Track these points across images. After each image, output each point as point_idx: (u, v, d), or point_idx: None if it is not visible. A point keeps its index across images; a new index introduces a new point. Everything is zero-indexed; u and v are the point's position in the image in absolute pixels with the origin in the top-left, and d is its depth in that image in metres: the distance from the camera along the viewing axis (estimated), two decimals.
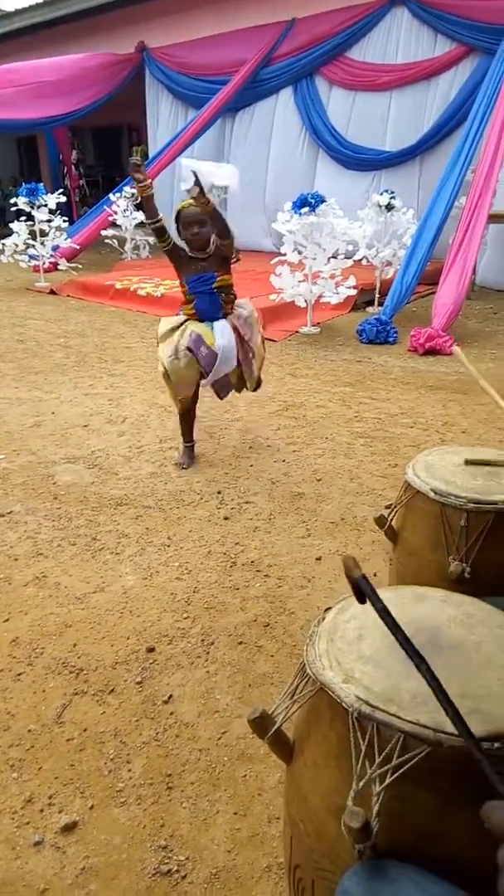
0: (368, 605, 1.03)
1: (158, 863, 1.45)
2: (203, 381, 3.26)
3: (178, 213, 3.06)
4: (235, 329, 3.24)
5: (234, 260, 3.20)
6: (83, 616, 2.26)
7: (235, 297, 3.30)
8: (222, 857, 1.46)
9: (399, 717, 0.78)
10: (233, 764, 1.69)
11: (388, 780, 0.75)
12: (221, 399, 3.53)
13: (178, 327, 3.23)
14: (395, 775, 0.75)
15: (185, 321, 3.22)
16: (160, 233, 3.09)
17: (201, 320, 3.20)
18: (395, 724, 0.78)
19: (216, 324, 3.19)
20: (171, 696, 1.90)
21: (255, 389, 3.56)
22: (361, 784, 0.77)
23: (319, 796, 0.87)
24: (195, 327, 3.18)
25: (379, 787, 0.76)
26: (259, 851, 1.48)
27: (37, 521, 2.88)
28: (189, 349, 3.14)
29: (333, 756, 0.86)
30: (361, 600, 0.81)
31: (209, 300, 3.16)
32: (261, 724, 0.92)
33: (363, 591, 0.78)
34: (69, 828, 1.52)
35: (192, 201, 2.98)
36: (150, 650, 2.09)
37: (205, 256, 3.11)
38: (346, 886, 0.72)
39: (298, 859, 0.93)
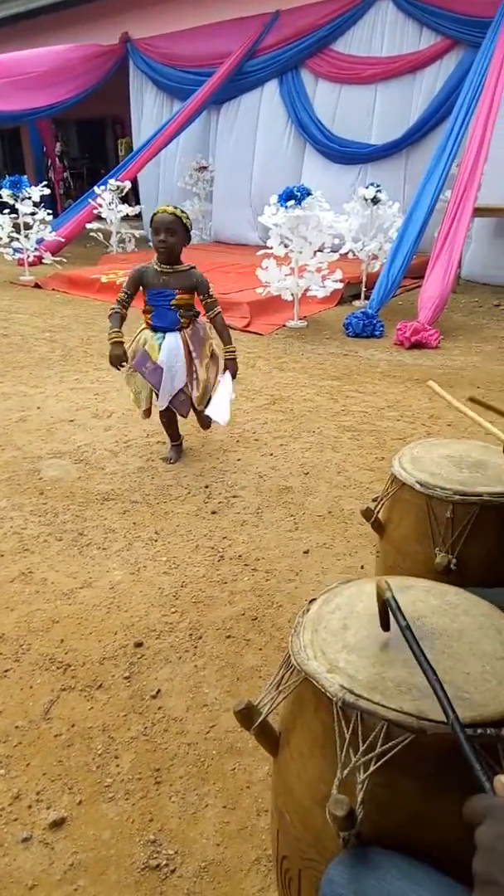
0: (353, 596, 1.03)
1: (147, 857, 1.45)
2: (157, 402, 3.23)
3: (153, 216, 3.03)
4: (186, 344, 3.15)
5: (205, 302, 3.17)
6: (70, 612, 2.25)
7: (197, 315, 3.22)
8: (211, 851, 1.47)
9: (383, 706, 0.79)
10: (221, 758, 1.69)
11: (372, 768, 0.76)
12: (184, 416, 3.34)
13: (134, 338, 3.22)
14: (380, 763, 0.76)
15: (141, 329, 3.20)
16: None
17: (155, 330, 3.15)
18: (378, 713, 0.78)
19: (167, 336, 3.13)
20: (159, 691, 1.90)
21: (202, 410, 3.28)
22: (346, 772, 0.77)
23: (305, 786, 0.87)
24: (145, 337, 3.15)
25: (363, 775, 0.76)
26: (248, 844, 1.48)
27: (22, 517, 2.86)
28: (134, 367, 3.15)
29: (318, 746, 0.86)
30: (385, 625, 0.88)
31: (166, 314, 3.11)
32: (247, 715, 0.92)
33: (391, 610, 0.84)
34: (57, 824, 1.52)
35: (166, 207, 3.01)
36: (138, 645, 2.09)
37: (169, 271, 3.06)
38: (331, 875, 0.72)
39: (285, 850, 0.93)
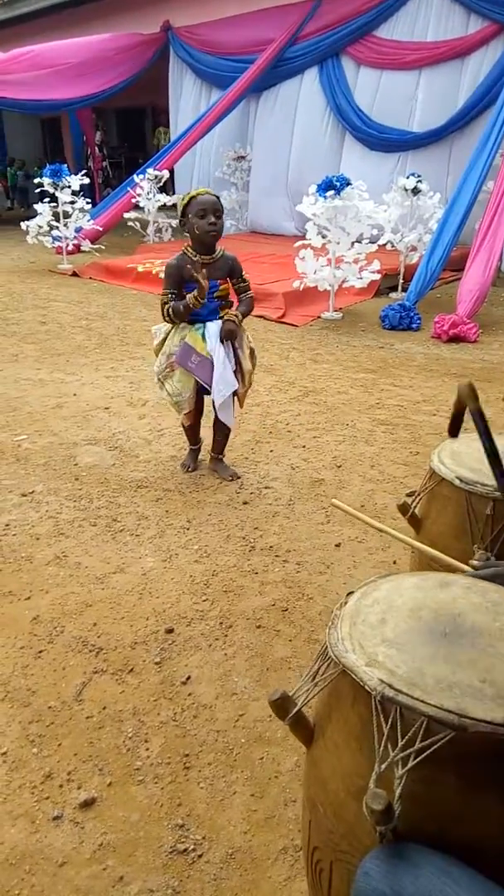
0: (392, 590, 1.01)
1: (175, 841, 1.46)
2: (213, 397, 2.95)
3: (192, 199, 2.75)
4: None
5: (238, 286, 2.97)
6: (103, 596, 2.28)
7: (232, 305, 3.01)
8: (238, 838, 1.47)
9: (423, 702, 0.77)
10: (250, 746, 1.70)
11: (411, 764, 0.75)
12: (224, 422, 3.06)
13: (168, 334, 2.95)
14: (419, 759, 0.75)
15: (174, 326, 2.91)
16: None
17: (192, 322, 2.88)
18: (419, 708, 0.77)
19: (207, 325, 2.88)
20: (189, 678, 1.91)
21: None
22: (384, 767, 0.77)
23: (339, 778, 0.87)
24: (182, 332, 2.88)
25: (401, 771, 0.75)
26: (275, 833, 1.49)
27: (58, 502, 2.90)
28: (177, 363, 2.88)
29: (354, 738, 0.85)
30: (455, 431, 0.88)
31: (206, 307, 2.84)
32: (282, 705, 0.92)
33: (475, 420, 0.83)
34: (88, 804, 1.54)
35: (204, 189, 2.83)
36: (169, 631, 2.10)
37: (209, 261, 2.82)
38: (367, 868, 0.72)
39: (317, 841, 0.93)
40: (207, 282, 2.75)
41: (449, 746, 0.75)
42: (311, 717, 0.98)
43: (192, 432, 3.19)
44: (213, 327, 2.89)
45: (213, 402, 2.97)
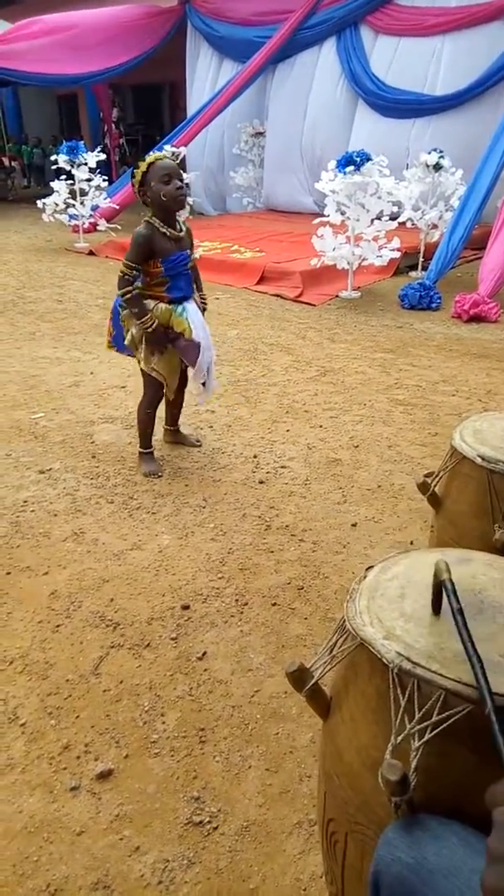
0: (412, 566, 1.00)
1: (191, 813, 1.48)
2: (194, 373, 2.86)
3: (150, 165, 2.59)
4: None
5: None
6: (120, 572, 2.29)
7: (198, 274, 2.90)
8: (253, 811, 1.48)
9: (441, 675, 0.77)
10: (265, 721, 1.71)
11: (427, 736, 0.74)
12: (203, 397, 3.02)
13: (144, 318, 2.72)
14: (435, 732, 0.74)
15: (153, 307, 2.70)
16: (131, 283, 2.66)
17: (170, 302, 2.72)
18: (436, 682, 0.76)
19: (185, 305, 2.74)
20: (205, 653, 1.92)
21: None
22: (400, 739, 0.76)
23: (355, 750, 0.86)
24: (162, 313, 2.70)
25: (418, 743, 0.75)
26: (290, 808, 1.50)
27: (75, 479, 2.91)
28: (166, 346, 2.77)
29: (371, 711, 0.85)
30: (437, 608, 0.87)
31: (180, 282, 2.71)
32: (299, 677, 0.92)
33: (446, 592, 0.83)
34: (104, 775, 1.56)
35: (160, 153, 2.67)
36: (185, 608, 2.11)
37: (177, 236, 2.67)
38: (389, 838, 0.72)
39: (332, 813, 0.93)
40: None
41: (466, 720, 0.74)
42: (328, 690, 0.97)
43: (175, 421, 3.19)
44: (192, 308, 2.77)
45: (200, 374, 2.84)
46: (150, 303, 2.71)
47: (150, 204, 2.65)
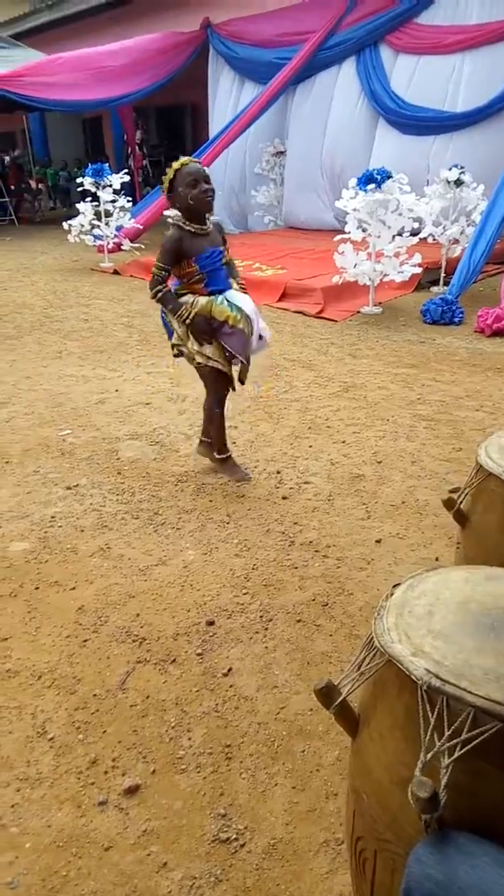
0: (440, 583, 1.01)
1: (218, 830, 1.48)
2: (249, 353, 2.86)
3: (177, 171, 2.66)
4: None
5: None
6: (146, 587, 2.31)
7: (234, 266, 2.95)
8: (280, 829, 1.48)
9: (470, 692, 0.77)
10: (291, 739, 1.70)
11: (457, 754, 0.74)
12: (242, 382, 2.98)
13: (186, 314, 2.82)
14: (465, 749, 0.74)
15: (192, 303, 2.78)
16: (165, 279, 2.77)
17: (210, 294, 2.79)
18: (466, 699, 0.77)
19: (228, 294, 2.81)
20: (230, 670, 1.93)
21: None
22: (429, 756, 0.76)
23: (384, 767, 0.87)
24: (203, 306, 2.77)
25: (448, 760, 0.75)
26: (317, 826, 1.49)
27: (101, 495, 2.95)
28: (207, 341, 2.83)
29: (400, 728, 0.85)
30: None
31: (218, 275, 2.78)
32: (327, 694, 0.92)
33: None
34: (132, 790, 1.57)
35: (185, 159, 2.72)
36: (210, 623, 2.12)
37: (206, 232, 2.74)
38: (420, 855, 0.72)
39: (361, 831, 0.93)
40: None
41: (497, 738, 0.74)
42: (356, 708, 0.98)
43: (222, 434, 3.08)
44: (231, 291, 2.83)
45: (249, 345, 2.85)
46: (189, 297, 2.80)
47: (179, 208, 2.73)
